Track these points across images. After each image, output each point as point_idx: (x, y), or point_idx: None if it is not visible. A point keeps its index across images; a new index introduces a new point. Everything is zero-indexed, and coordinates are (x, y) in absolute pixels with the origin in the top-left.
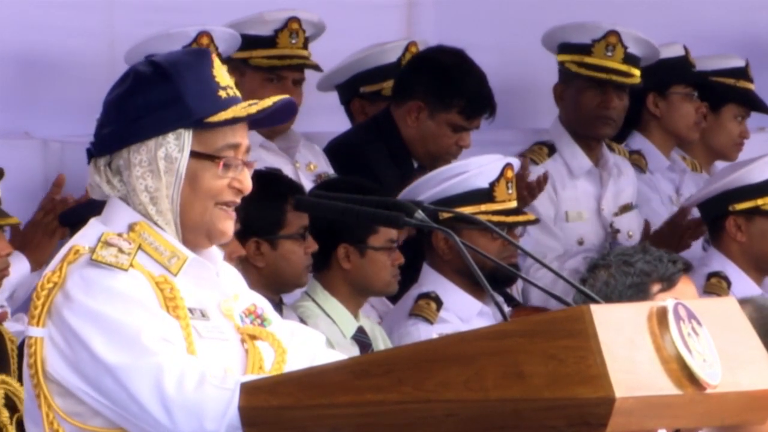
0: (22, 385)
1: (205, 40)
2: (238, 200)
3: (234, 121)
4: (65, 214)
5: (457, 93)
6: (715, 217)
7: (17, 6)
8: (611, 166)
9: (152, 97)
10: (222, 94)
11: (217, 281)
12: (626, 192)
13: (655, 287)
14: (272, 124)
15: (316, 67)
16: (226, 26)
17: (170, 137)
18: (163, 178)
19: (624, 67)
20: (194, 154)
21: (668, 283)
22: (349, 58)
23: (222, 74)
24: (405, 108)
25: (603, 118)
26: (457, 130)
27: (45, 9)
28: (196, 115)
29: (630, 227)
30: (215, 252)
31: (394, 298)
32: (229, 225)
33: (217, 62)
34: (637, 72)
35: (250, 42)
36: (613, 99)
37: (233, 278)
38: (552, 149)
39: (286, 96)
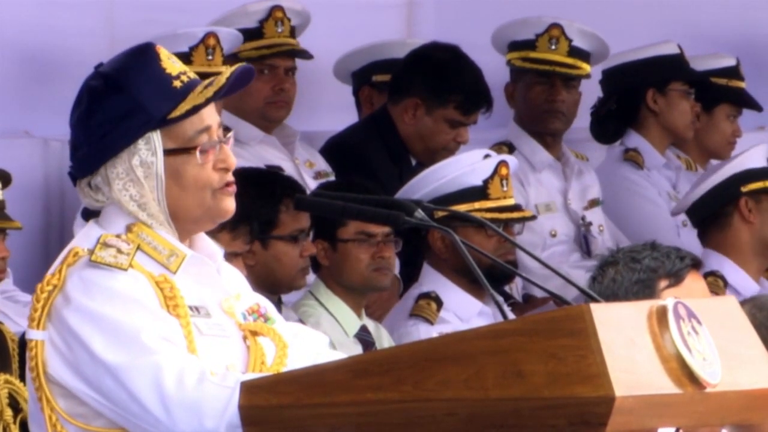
0: (24, 384)
1: (212, 41)
2: (231, 177)
3: (195, 109)
4: (89, 209)
5: (453, 88)
6: (722, 204)
7: (18, 6)
8: (573, 162)
9: (111, 112)
10: (176, 84)
11: (218, 278)
12: (593, 188)
13: (662, 283)
14: (235, 91)
15: (306, 54)
16: (210, 24)
17: (140, 144)
18: (145, 184)
19: (569, 60)
20: (168, 152)
21: (675, 279)
22: (368, 44)
23: (171, 63)
24: (402, 105)
25: (552, 112)
26: (455, 125)
27: (45, 9)
28: (157, 116)
29: (600, 221)
30: (215, 249)
31: None
32: (231, 202)
33: (163, 53)
34: (584, 65)
35: None
36: (561, 92)
37: (236, 279)
38: (511, 148)
39: (239, 65)
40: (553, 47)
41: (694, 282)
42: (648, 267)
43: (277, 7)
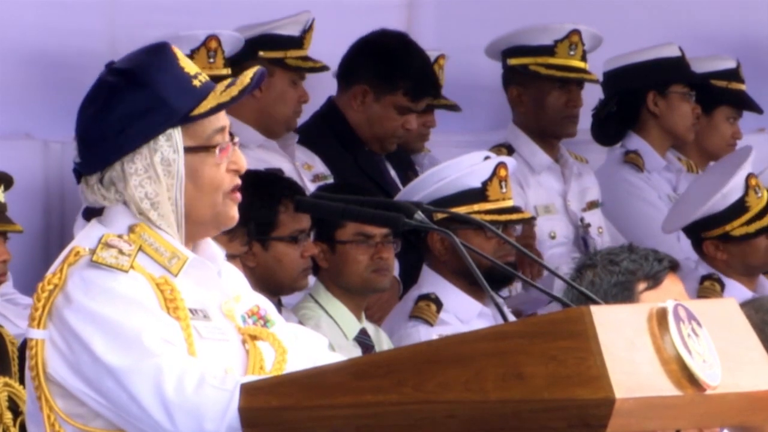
0: (24, 387)
1: (213, 44)
2: (239, 181)
3: (219, 108)
4: (90, 209)
5: (402, 74)
6: (693, 240)
7: (18, 6)
8: (571, 164)
9: (133, 106)
10: (196, 83)
11: (218, 281)
12: (592, 190)
13: (641, 285)
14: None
15: (325, 68)
16: (260, 25)
17: (161, 140)
18: (164, 182)
19: (583, 65)
20: (188, 150)
21: (654, 281)
22: None
23: (188, 63)
24: (350, 93)
25: (571, 117)
26: (403, 112)
27: (45, 9)
28: (181, 112)
29: (600, 223)
30: (217, 252)
31: None
32: (236, 211)
33: (179, 53)
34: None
35: (283, 42)
36: (580, 97)
37: (236, 279)
38: (510, 150)
39: (257, 68)
40: (572, 53)
41: (672, 284)
42: (626, 269)
43: (313, 20)
